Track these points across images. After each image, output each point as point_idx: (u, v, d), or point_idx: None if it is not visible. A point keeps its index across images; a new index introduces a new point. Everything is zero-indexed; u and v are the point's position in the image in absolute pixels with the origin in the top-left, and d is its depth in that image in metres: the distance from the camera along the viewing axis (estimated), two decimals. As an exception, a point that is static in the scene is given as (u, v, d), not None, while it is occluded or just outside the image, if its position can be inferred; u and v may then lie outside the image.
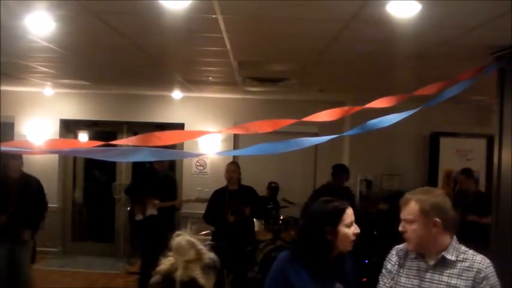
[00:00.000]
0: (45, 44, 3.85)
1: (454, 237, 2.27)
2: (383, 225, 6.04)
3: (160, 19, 2.96)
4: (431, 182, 7.26)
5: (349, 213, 2.37)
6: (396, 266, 2.37)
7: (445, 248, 2.22)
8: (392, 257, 2.42)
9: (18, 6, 2.76)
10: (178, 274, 1.45)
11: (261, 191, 6.92)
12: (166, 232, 6.85)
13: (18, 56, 4.58)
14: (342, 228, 2.34)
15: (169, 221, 6.45)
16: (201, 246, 1.51)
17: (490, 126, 6.74)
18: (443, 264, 2.21)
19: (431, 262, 2.25)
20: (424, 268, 2.26)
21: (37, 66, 5.27)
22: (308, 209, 2.74)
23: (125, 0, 2.70)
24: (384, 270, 2.43)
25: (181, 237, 1.51)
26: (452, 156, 7.28)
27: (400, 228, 2.29)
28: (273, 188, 7.44)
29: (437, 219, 2.20)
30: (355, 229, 2.36)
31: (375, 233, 6.19)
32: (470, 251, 2.24)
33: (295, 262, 2.35)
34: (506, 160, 3.34)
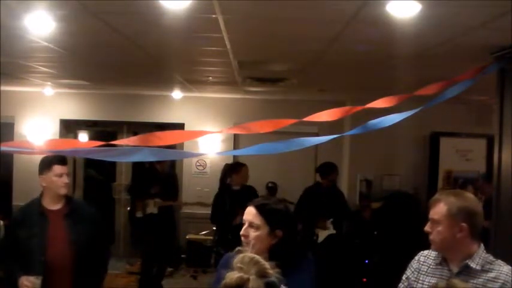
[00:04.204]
0: (45, 44, 3.84)
1: (482, 245, 2.18)
2: (382, 225, 6.05)
3: (160, 19, 2.95)
4: (431, 182, 7.26)
5: (245, 212, 2.29)
6: (416, 272, 2.30)
7: (471, 256, 2.13)
8: (414, 263, 2.35)
9: (18, 6, 2.76)
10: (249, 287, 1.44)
11: (261, 191, 6.93)
12: (167, 231, 6.81)
13: (18, 56, 4.58)
14: None
15: (170, 220, 6.45)
16: (263, 262, 1.51)
17: (490, 126, 6.73)
18: (467, 273, 2.12)
19: (455, 270, 2.17)
20: (447, 276, 2.17)
21: (37, 66, 5.27)
22: None
23: (125, 0, 2.70)
24: (404, 276, 2.37)
25: (244, 255, 1.53)
26: (452, 156, 7.27)
27: (427, 228, 2.21)
28: (270, 188, 7.46)
29: (464, 224, 2.12)
30: (242, 231, 2.27)
31: (375, 233, 6.19)
32: (498, 261, 2.15)
33: None
34: (506, 160, 3.34)
